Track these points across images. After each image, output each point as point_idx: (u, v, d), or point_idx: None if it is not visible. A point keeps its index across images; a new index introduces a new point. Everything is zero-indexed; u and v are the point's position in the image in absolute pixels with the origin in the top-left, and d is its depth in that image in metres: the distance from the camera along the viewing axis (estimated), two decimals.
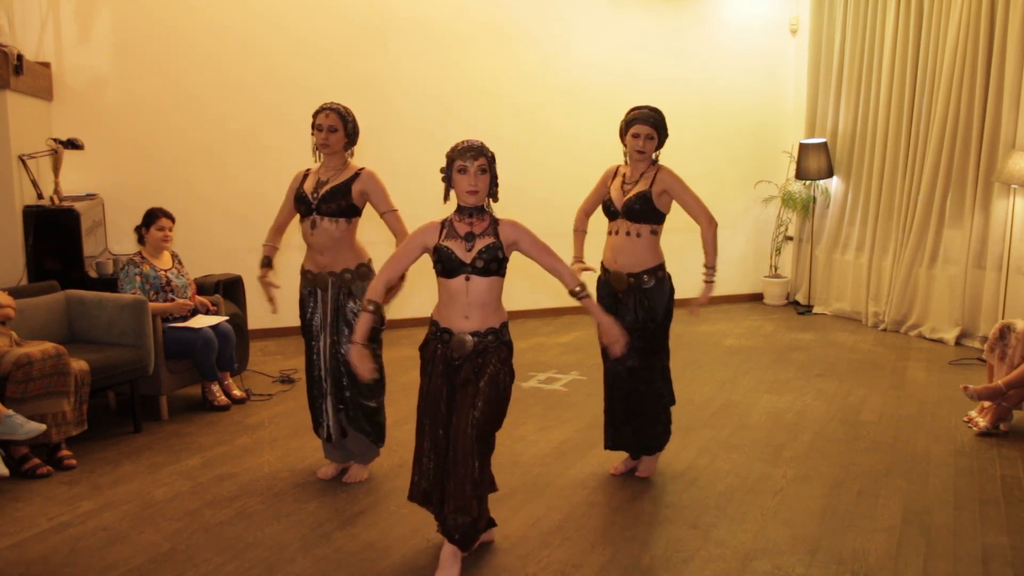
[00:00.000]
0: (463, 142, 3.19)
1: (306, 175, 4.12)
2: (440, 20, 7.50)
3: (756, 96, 8.69)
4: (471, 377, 3.21)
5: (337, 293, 4.06)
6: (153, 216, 5.33)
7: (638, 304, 4.04)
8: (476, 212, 3.21)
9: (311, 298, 4.13)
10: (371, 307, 3.27)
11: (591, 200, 4.27)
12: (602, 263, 4.21)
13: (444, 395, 3.26)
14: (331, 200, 3.98)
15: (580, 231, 4.35)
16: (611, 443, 4.28)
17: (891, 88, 7.53)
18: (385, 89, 7.09)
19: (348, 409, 4.13)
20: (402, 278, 3.50)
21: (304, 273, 4.14)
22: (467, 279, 3.17)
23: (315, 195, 4.00)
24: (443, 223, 3.24)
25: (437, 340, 3.29)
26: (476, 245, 3.16)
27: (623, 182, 4.07)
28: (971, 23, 6.73)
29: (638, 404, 4.13)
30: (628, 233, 4.02)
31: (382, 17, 7.33)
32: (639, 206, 3.97)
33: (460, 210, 3.23)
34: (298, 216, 4.12)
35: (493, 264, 3.17)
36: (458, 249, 3.16)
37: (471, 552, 3.39)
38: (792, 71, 8.77)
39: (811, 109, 8.46)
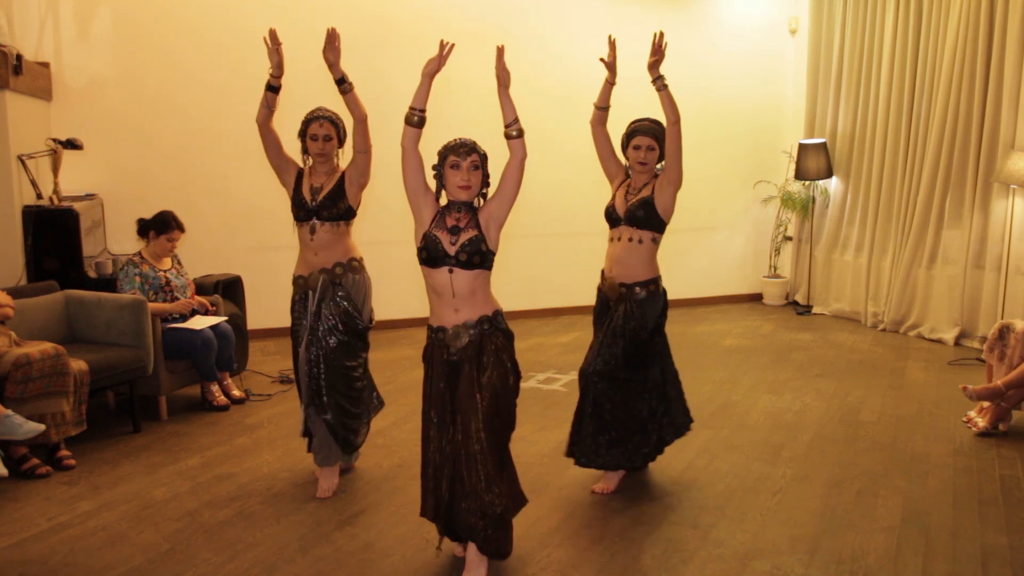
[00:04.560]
0: (455, 139, 3.25)
1: (300, 173, 4.12)
2: (434, 26, 7.48)
3: (755, 96, 8.69)
4: (470, 387, 3.18)
5: (326, 287, 4.05)
6: (167, 225, 5.31)
7: (628, 314, 3.99)
8: (465, 207, 3.24)
9: (301, 303, 4.13)
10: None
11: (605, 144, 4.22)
12: (602, 271, 4.18)
13: (448, 401, 3.26)
14: (331, 206, 4.02)
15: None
16: (571, 451, 4.13)
17: (890, 88, 7.53)
18: (383, 92, 7.06)
19: (317, 405, 4.06)
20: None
21: (295, 280, 4.14)
22: (450, 271, 3.18)
23: (313, 201, 4.03)
24: (437, 212, 3.26)
25: (434, 342, 3.30)
26: (460, 239, 3.18)
27: (627, 191, 4.07)
28: (970, 23, 6.73)
29: (611, 414, 4.01)
30: (631, 239, 3.99)
31: (380, 21, 7.33)
32: (642, 212, 3.96)
33: (450, 205, 3.26)
34: (293, 219, 4.12)
35: (476, 257, 3.17)
36: (444, 240, 3.18)
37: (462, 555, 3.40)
38: (791, 71, 8.77)
39: (810, 109, 8.46)
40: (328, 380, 4.04)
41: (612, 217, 4.06)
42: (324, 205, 4.01)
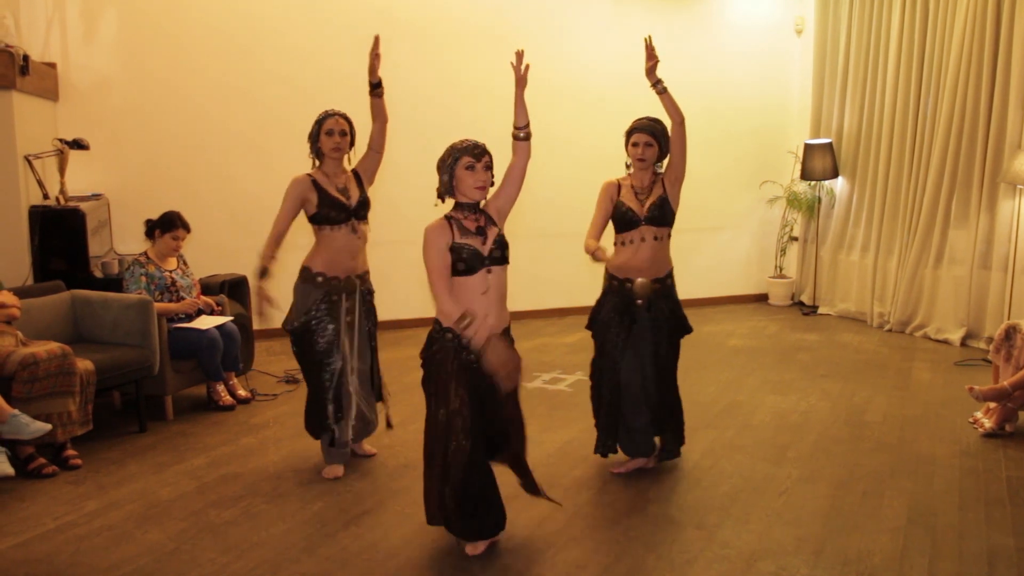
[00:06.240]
0: (465, 141, 3.28)
1: (314, 181, 4.13)
2: (441, 24, 7.50)
3: (761, 97, 8.68)
4: (500, 400, 3.34)
5: (365, 293, 4.27)
6: (172, 224, 5.33)
7: (662, 302, 4.16)
8: (473, 208, 3.29)
9: (326, 301, 4.15)
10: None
11: (598, 223, 4.19)
12: (615, 277, 4.20)
13: (474, 402, 3.32)
14: (366, 203, 4.20)
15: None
16: (605, 450, 4.32)
17: (896, 88, 7.51)
18: (387, 93, 7.12)
19: (366, 393, 4.33)
20: None
21: (329, 281, 4.15)
22: (488, 271, 3.25)
23: (348, 201, 4.13)
24: (450, 222, 3.26)
25: (450, 346, 3.28)
26: (488, 237, 3.25)
27: (635, 193, 4.13)
28: (977, 23, 6.71)
29: (663, 405, 4.24)
30: (656, 239, 4.10)
31: (383, 22, 7.32)
32: (660, 212, 4.08)
33: (461, 207, 3.28)
34: (314, 223, 4.18)
35: (506, 251, 3.29)
36: (476, 244, 3.24)
37: (481, 555, 3.46)
38: (797, 71, 8.75)
39: (816, 109, 8.44)
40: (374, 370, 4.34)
41: (631, 220, 4.10)
42: (362, 203, 4.18)
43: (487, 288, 3.25)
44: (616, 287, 4.19)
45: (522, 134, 3.34)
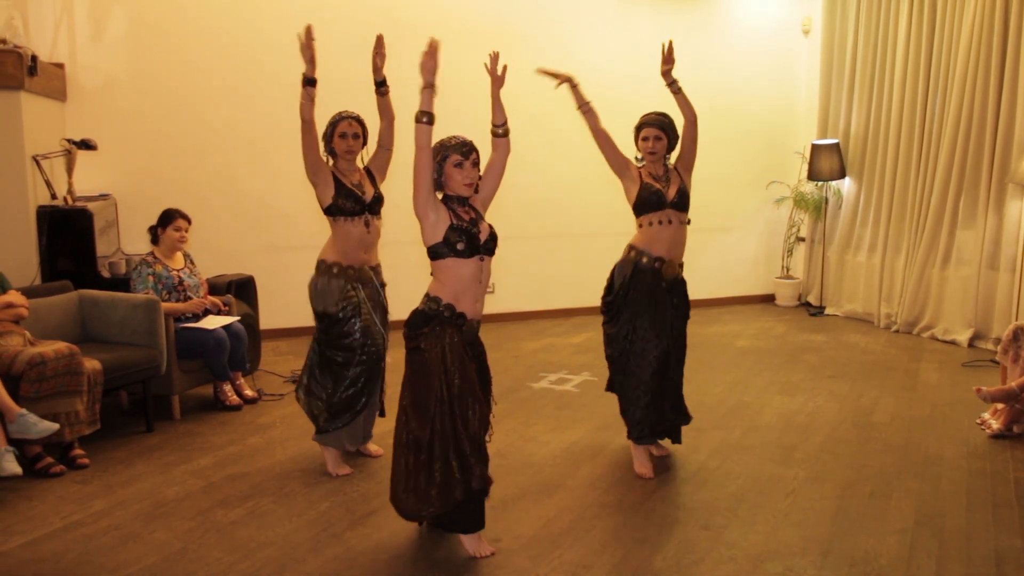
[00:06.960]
0: (453, 138, 3.36)
1: (333, 172, 4.22)
2: (445, 23, 7.48)
3: (768, 97, 8.67)
4: (484, 363, 3.48)
5: (375, 285, 4.35)
6: (170, 217, 5.35)
7: (680, 292, 4.34)
8: (464, 201, 3.36)
9: (348, 289, 4.22)
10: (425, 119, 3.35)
11: (612, 147, 4.26)
12: (648, 253, 4.27)
13: (467, 384, 3.35)
14: (381, 199, 4.30)
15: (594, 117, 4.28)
16: (652, 434, 4.39)
17: (904, 89, 7.50)
18: (399, 91, 7.11)
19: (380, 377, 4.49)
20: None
21: (345, 270, 4.23)
22: (481, 259, 3.33)
23: (363, 195, 4.22)
24: (446, 205, 3.33)
25: (452, 323, 3.31)
26: (482, 229, 3.34)
27: (655, 179, 4.26)
28: (985, 23, 6.69)
29: (675, 381, 4.41)
30: (681, 223, 4.29)
31: (386, 24, 7.27)
32: (683, 198, 4.27)
33: (452, 199, 3.35)
34: (328, 216, 4.24)
35: (495, 244, 3.37)
36: (473, 230, 3.30)
37: (483, 556, 3.45)
38: (804, 72, 8.74)
39: (823, 110, 8.43)
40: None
41: (659, 201, 4.22)
42: (376, 200, 4.27)
43: (480, 276, 3.34)
44: (647, 266, 4.24)
45: (500, 131, 3.44)
